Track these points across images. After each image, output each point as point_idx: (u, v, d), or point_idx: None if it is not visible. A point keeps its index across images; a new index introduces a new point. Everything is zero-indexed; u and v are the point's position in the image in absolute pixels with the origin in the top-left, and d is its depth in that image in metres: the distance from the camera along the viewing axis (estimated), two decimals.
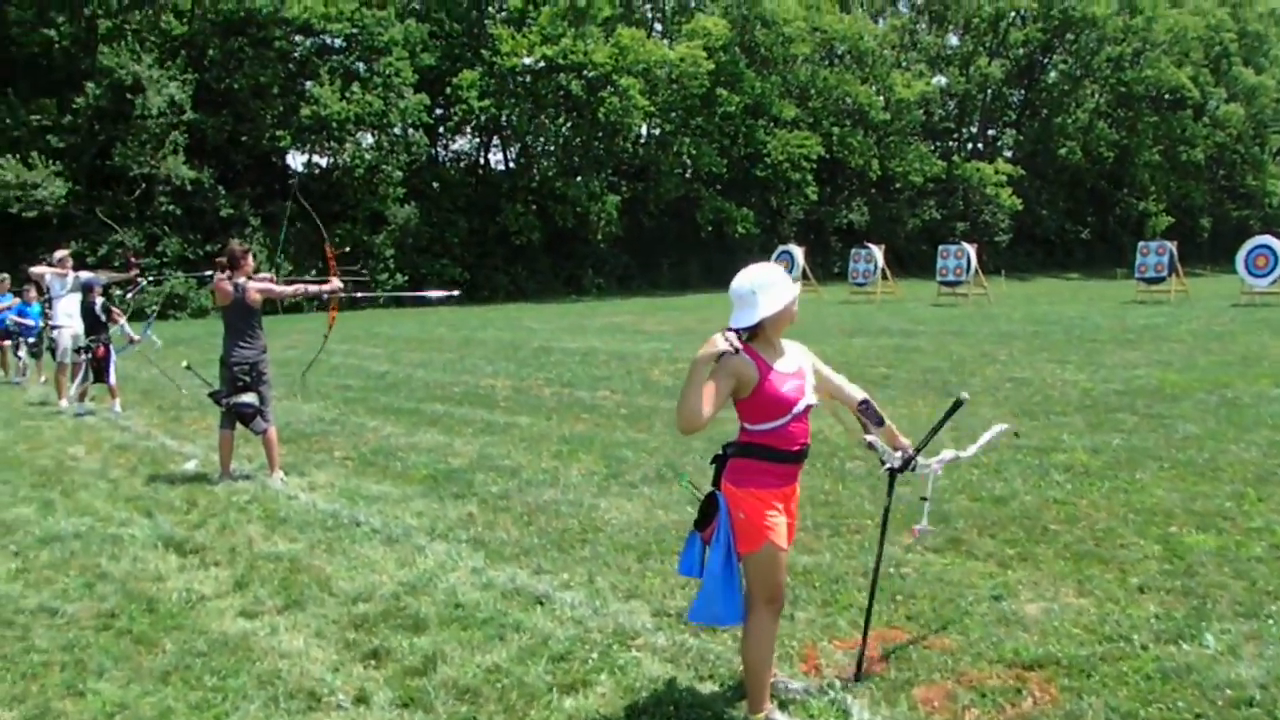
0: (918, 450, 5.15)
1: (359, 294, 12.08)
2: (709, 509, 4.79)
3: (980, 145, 73.47)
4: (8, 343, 19.02)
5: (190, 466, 10.40)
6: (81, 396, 14.45)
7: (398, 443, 11.37)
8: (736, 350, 4.41)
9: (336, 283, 10.25)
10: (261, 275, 10.02)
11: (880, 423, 4.90)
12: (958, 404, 5.19)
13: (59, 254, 15.78)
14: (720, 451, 4.83)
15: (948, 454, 5.49)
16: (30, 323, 18.38)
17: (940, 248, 40.72)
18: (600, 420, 12.56)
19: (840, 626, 5.89)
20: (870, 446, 5.06)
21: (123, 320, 14.93)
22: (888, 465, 5.14)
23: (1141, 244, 38.26)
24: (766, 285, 4.60)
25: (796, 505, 4.89)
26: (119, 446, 11.66)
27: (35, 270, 15.96)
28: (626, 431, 11.75)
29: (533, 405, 13.94)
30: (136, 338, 15.16)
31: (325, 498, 9.00)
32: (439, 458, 10.50)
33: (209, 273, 16.00)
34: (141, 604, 6.38)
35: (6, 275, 20.22)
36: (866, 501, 8.38)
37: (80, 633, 6.00)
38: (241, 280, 9.65)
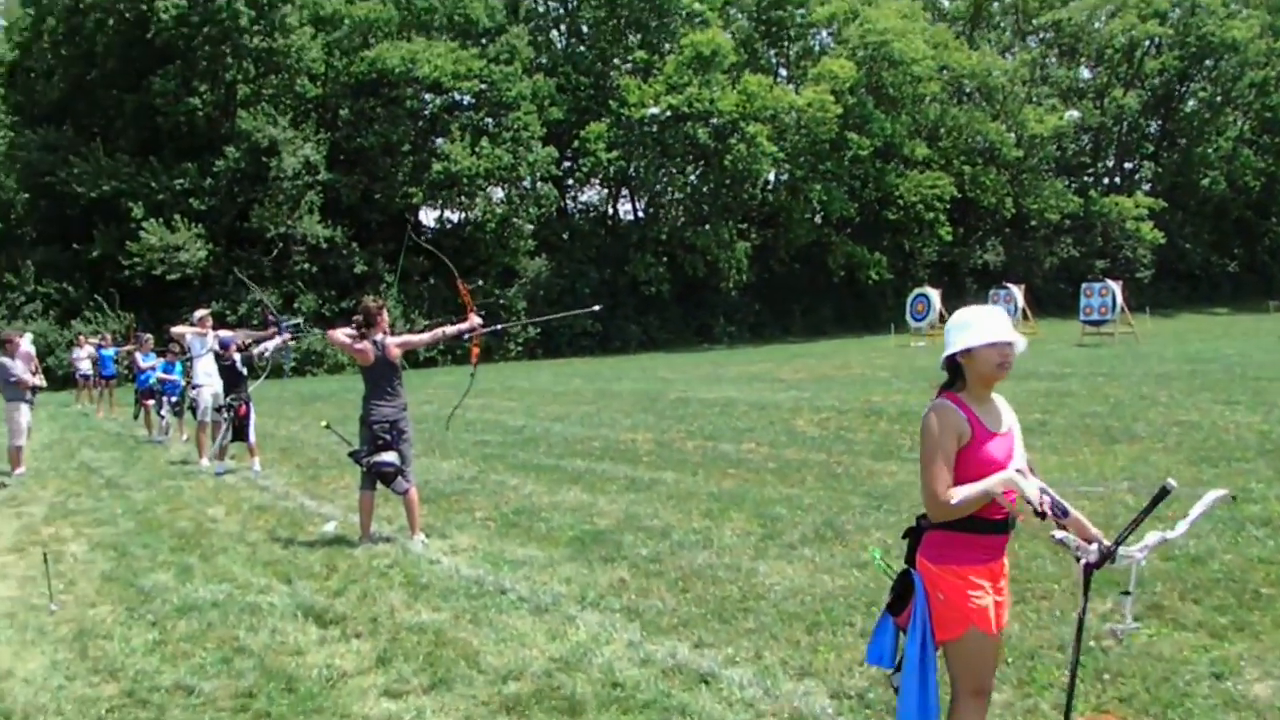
0: (1117, 543, 4.35)
1: (499, 326, 11.61)
2: (903, 590, 4.18)
3: (1117, 179, 71.29)
4: (151, 402, 19.20)
5: (329, 529, 10.10)
6: (221, 455, 14.37)
7: (540, 502, 10.94)
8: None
9: (475, 319, 9.88)
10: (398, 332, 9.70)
11: (1065, 513, 4.13)
12: (1163, 493, 4.31)
13: (199, 313, 15.83)
14: (914, 524, 4.22)
15: (1153, 538, 4.62)
16: (175, 378, 18.52)
17: (1084, 286, 39.38)
18: (748, 475, 11.98)
19: (1043, 711, 5.23)
20: (1060, 542, 4.29)
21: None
22: (1083, 561, 4.37)
23: None
24: (961, 325, 4.18)
25: (1007, 583, 4.25)
26: (258, 507, 11.44)
27: (176, 330, 16.03)
28: (777, 487, 11.15)
29: (677, 460, 13.43)
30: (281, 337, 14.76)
31: (468, 562, 8.57)
32: (584, 518, 10.02)
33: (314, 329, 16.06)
34: (280, 682, 5.97)
35: (151, 336, 20.51)
36: (1048, 562, 7.63)
37: (217, 715, 5.61)
38: (379, 337, 9.35)
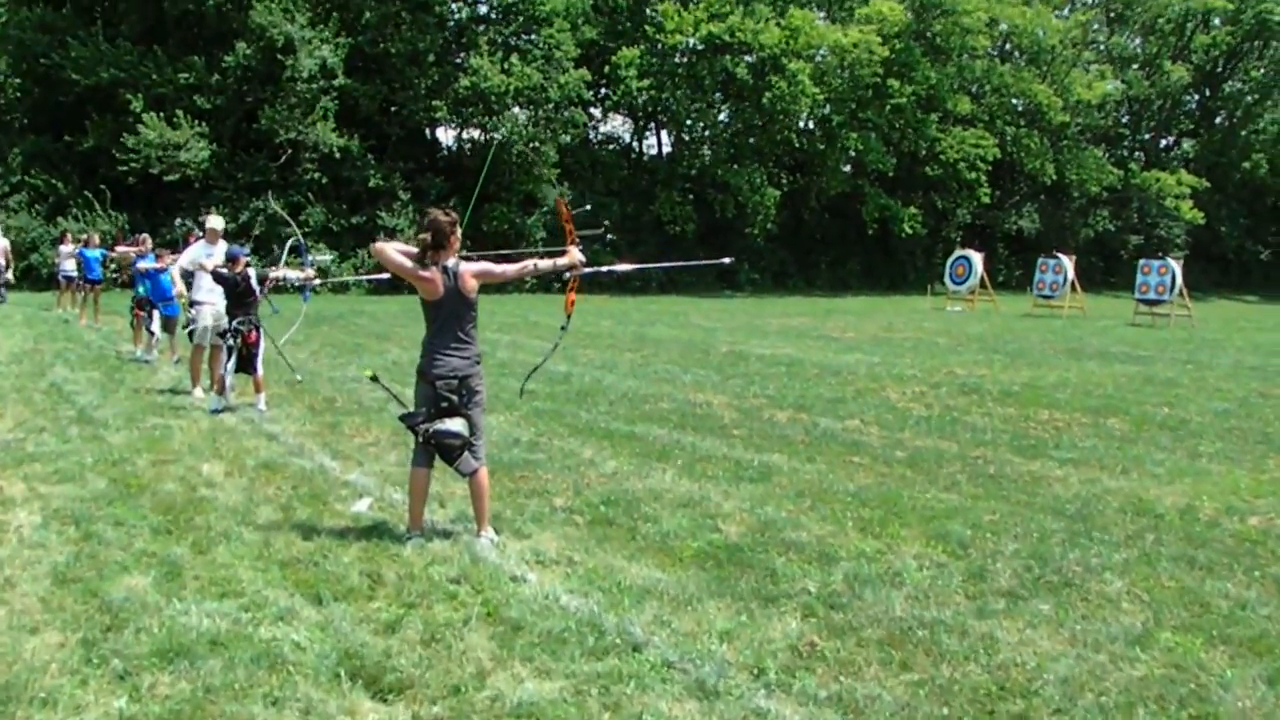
0: None
1: (607, 269, 9.00)
2: None
3: (1158, 154, 68.41)
4: (143, 313, 16.57)
5: (362, 507, 7.65)
6: (222, 388, 11.87)
7: (633, 488, 8.45)
8: None
9: (576, 254, 7.36)
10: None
11: None
12: None
13: (213, 221, 13.26)
14: None
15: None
16: (156, 266, 15.83)
17: (1141, 263, 37.01)
18: (881, 469, 9.55)
19: None
20: None
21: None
22: None
23: None
24: None
25: None
26: (265, 465, 8.96)
27: (191, 253, 13.26)
28: (930, 490, 8.72)
29: (776, 438, 10.97)
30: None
31: (566, 583, 6.14)
32: (701, 519, 7.57)
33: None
34: None
35: (148, 235, 17.93)
36: None
37: None
38: (451, 263, 6.85)
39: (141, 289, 16.41)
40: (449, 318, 6.87)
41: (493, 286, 7.44)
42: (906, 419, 12.36)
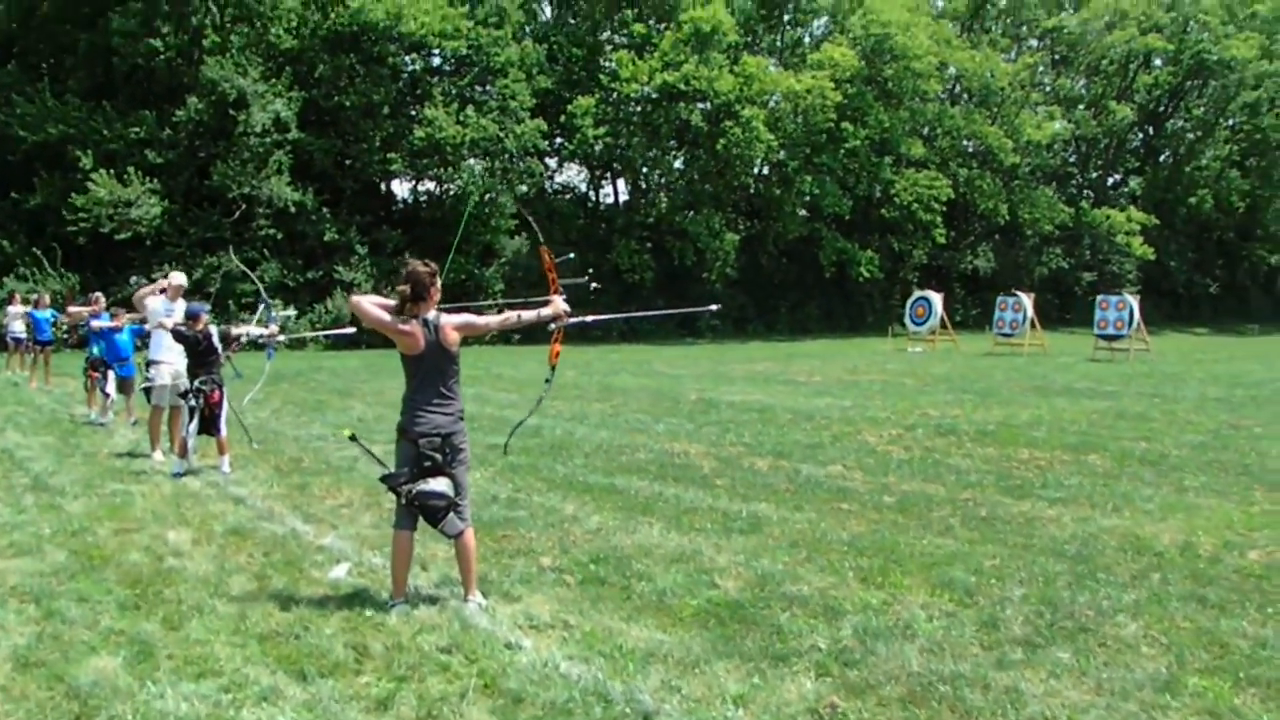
0: None
1: (591, 319, 8.66)
2: None
3: (1106, 191, 69.20)
4: (97, 374, 16.02)
5: (340, 574, 7.29)
6: (184, 451, 11.46)
7: (621, 544, 8.14)
8: None
9: (560, 303, 7.09)
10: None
11: None
12: None
13: (176, 278, 12.84)
14: None
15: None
16: (111, 325, 15.36)
17: (1099, 298, 37.31)
18: (873, 516, 9.28)
19: None
20: None
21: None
22: None
23: None
24: None
25: None
26: (234, 532, 8.56)
27: (143, 294, 12.93)
28: (925, 536, 8.46)
29: (760, 486, 10.70)
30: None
31: (564, 649, 5.81)
32: (697, 575, 7.26)
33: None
34: None
35: (101, 294, 17.47)
36: None
37: None
38: (431, 316, 6.56)
39: (96, 349, 15.90)
40: (430, 372, 6.56)
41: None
42: (888, 463, 12.12)
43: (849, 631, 6.07)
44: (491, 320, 6.97)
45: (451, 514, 6.51)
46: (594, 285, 9.00)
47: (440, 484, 6.47)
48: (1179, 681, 5.34)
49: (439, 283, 6.63)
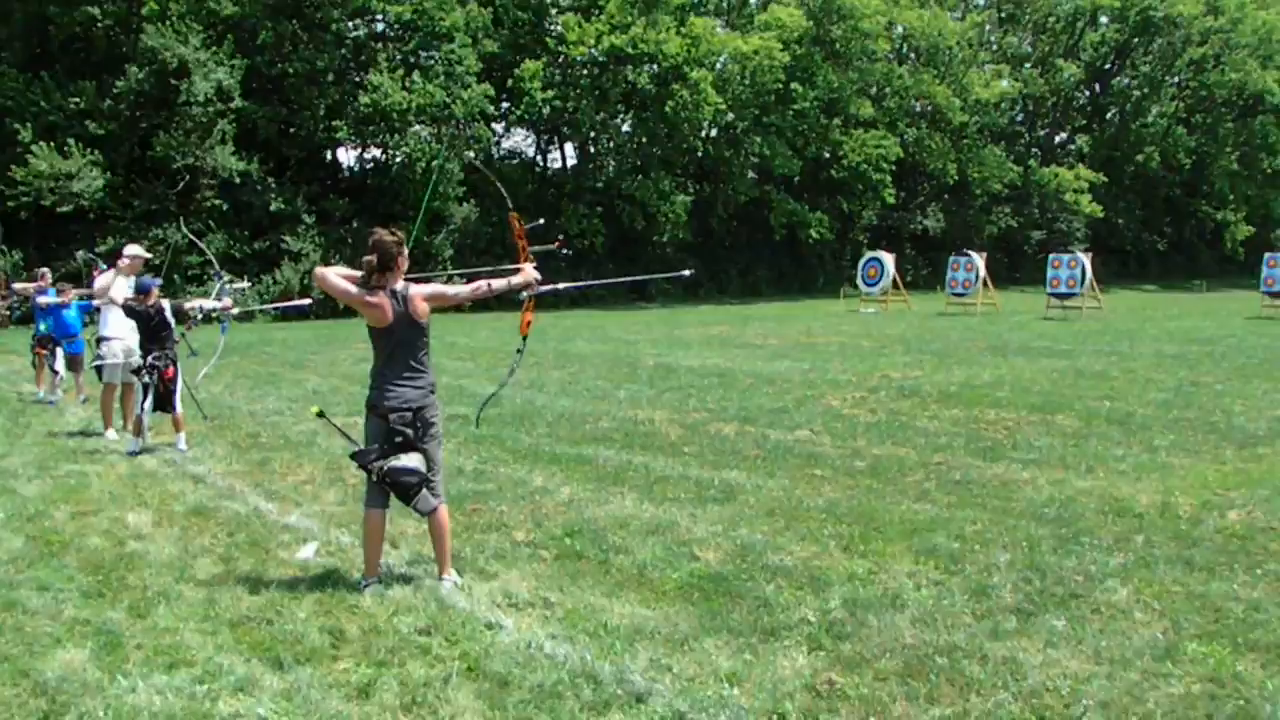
0: None
1: (563, 286, 8.41)
2: None
3: (1053, 150, 69.56)
4: (45, 351, 15.57)
5: (308, 554, 7.08)
6: (139, 429, 11.15)
7: (594, 516, 7.97)
8: None
9: (531, 272, 6.88)
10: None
11: None
12: None
13: (133, 249, 12.39)
14: None
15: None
16: (58, 301, 14.93)
17: (1051, 257, 37.51)
18: (847, 481, 9.16)
19: None
20: None
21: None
22: None
23: (1269, 256, 35.65)
24: None
25: None
26: (196, 512, 8.31)
27: (104, 284, 12.24)
28: (902, 501, 8.35)
29: (729, 453, 10.56)
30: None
31: (546, 628, 5.64)
32: (675, 547, 7.11)
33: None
34: None
35: (47, 270, 17.02)
36: None
37: None
38: (399, 287, 6.33)
39: (43, 326, 15.47)
40: (400, 345, 6.35)
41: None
42: (855, 426, 12.03)
43: (838, 603, 5.94)
44: (462, 290, 6.76)
45: (424, 490, 6.32)
46: (564, 250, 8.79)
47: (412, 460, 6.27)
48: (1177, 648, 5.26)
49: (406, 252, 6.41)
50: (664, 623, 5.67)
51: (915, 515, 7.88)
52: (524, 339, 7.84)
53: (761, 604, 5.95)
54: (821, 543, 7.17)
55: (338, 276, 6.44)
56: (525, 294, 6.96)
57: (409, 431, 6.28)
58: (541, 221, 7.87)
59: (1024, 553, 6.88)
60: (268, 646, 5.39)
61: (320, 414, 6.92)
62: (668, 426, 12.23)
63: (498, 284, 6.78)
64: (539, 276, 6.90)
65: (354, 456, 6.42)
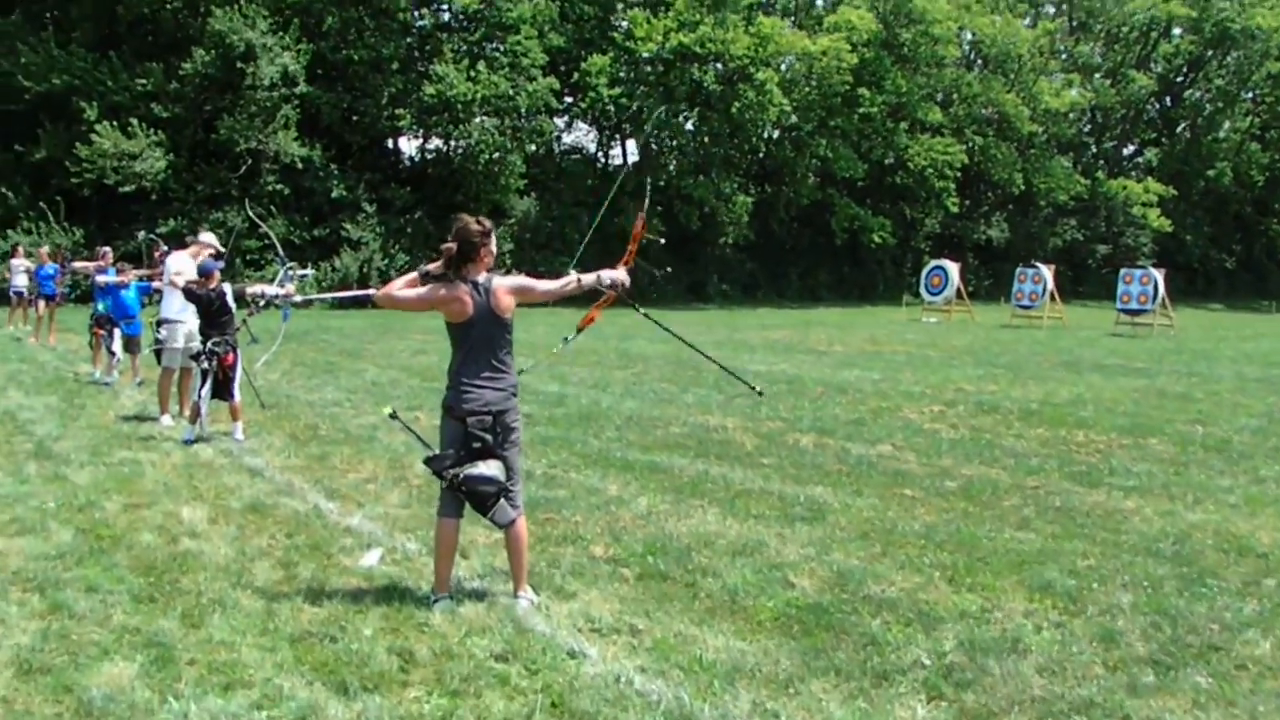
0: None
1: (641, 311, 7.78)
2: None
3: (1120, 163, 68.25)
4: (103, 332, 15.25)
5: (372, 560, 6.62)
6: (195, 417, 10.77)
7: (677, 532, 7.46)
8: None
9: (623, 273, 6.35)
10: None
11: None
12: None
13: (207, 237, 12.01)
14: None
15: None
16: (118, 280, 14.60)
17: (1123, 272, 36.72)
18: (940, 504, 8.59)
19: None
20: None
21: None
22: None
23: None
24: None
25: None
26: (253, 509, 7.89)
27: (178, 264, 11.83)
28: (1004, 529, 7.77)
29: (810, 466, 10.02)
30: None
31: (634, 659, 5.13)
32: (766, 571, 6.58)
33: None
34: None
35: (109, 249, 16.79)
36: None
37: None
38: (482, 279, 5.85)
39: (101, 305, 15.19)
40: (480, 341, 5.86)
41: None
42: (939, 443, 11.46)
43: (952, 644, 5.40)
44: (552, 285, 6.21)
45: (502, 500, 5.84)
46: (665, 270, 8.32)
47: (491, 468, 5.79)
48: None
49: (492, 244, 5.91)
50: (764, 659, 5.15)
51: (1020, 545, 7.31)
52: (578, 331, 7.38)
53: (869, 641, 5.42)
54: (924, 573, 6.62)
55: (401, 290, 5.96)
56: (608, 288, 6.37)
57: (488, 437, 5.80)
58: (663, 240, 7.44)
59: (1147, 594, 6.30)
60: (332, 668, 4.92)
61: (393, 415, 6.45)
62: (742, 435, 11.72)
63: (587, 279, 6.26)
64: (628, 281, 6.37)
65: (428, 462, 5.95)
